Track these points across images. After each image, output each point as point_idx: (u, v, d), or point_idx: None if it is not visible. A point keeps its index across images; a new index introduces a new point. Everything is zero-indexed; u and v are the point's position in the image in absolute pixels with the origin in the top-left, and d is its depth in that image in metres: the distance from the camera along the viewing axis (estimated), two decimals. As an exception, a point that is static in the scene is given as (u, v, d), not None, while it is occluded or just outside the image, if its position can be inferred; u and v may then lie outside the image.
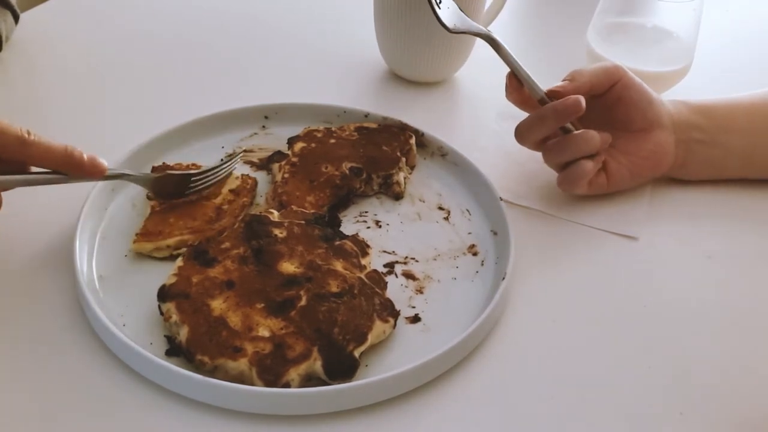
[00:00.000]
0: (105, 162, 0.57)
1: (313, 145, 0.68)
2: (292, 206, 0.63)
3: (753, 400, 0.53)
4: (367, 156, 0.67)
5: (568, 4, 0.98)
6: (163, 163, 0.66)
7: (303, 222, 0.60)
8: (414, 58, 0.79)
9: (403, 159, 0.68)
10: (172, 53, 0.84)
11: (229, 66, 0.84)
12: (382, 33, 0.80)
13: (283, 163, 0.67)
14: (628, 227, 0.65)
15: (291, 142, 0.69)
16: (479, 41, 0.79)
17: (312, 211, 0.62)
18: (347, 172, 0.66)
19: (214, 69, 0.83)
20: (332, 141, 0.69)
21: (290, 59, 0.85)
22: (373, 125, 0.71)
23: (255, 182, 0.66)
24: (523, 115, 0.65)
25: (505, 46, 0.63)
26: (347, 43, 0.88)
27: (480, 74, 0.82)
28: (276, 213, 0.61)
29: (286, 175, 0.65)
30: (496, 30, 0.82)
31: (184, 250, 0.58)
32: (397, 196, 0.67)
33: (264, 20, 0.92)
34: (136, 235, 0.59)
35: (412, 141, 0.70)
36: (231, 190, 0.64)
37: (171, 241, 0.59)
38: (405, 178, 0.68)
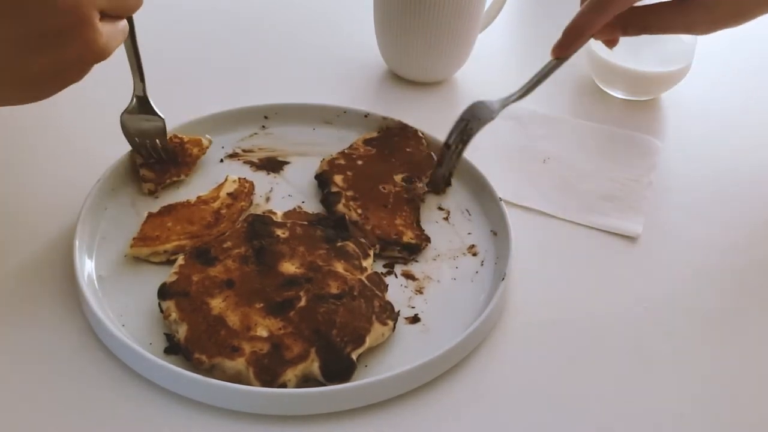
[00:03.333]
0: None
1: (348, 173, 0.66)
2: (297, 207, 0.62)
3: (753, 400, 0.53)
4: (402, 162, 0.67)
5: (568, 4, 0.98)
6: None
7: (306, 222, 0.60)
8: (414, 58, 0.79)
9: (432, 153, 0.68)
10: (171, 53, 0.84)
11: (229, 66, 0.83)
12: (382, 33, 0.80)
13: (343, 201, 0.63)
14: (628, 227, 0.65)
15: (321, 178, 0.65)
16: (479, 40, 0.80)
17: (406, 232, 0.61)
18: (403, 183, 0.65)
19: (214, 69, 0.83)
20: (360, 162, 0.67)
21: (290, 59, 0.85)
22: (374, 134, 0.71)
23: (252, 186, 0.65)
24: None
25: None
26: (347, 43, 0.88)
27: (480, 74, 0.82)
28: (279, 213, 0.61)
29: (360, 210, 0.63)
30: (495, 30, 0.83)
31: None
32: (443, 191, 0.67)
33: (264, 20, 0.92)
34: (133, 239, 0.59)
35: (421, 133, 0.70)
36: (229, 194, 0.64)
37: (168, 246, 0.58)
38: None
